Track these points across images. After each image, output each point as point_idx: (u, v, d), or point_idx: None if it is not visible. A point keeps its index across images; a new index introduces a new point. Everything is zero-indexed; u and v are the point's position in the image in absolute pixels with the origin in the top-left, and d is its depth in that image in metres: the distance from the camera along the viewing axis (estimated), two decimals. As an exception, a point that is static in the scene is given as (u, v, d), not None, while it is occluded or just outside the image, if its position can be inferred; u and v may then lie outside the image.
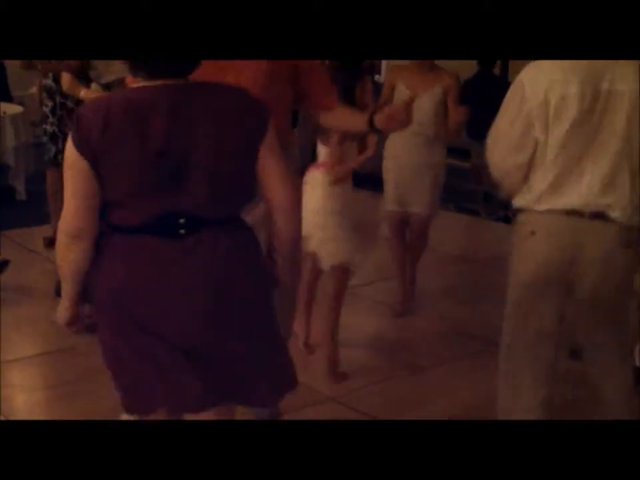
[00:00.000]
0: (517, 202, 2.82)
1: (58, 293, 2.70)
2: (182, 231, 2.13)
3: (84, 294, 2.25)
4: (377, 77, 8.61)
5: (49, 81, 4.66)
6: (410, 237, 4.88)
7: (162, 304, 2.14)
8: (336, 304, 3.99)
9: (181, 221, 2.13)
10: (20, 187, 6.63)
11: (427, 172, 4.68)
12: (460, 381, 4.06)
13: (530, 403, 2.85)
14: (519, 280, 2.85)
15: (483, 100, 7.75)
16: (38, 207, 5.49)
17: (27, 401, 3.59)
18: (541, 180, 2.71)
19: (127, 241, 2.15)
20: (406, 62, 5.12)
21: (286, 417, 3.17)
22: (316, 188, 3.83)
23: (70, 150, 2.09)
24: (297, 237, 2.38)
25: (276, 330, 2.35)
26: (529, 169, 2.72)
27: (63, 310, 2.28)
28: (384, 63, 10.34)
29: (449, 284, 5.42)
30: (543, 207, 2.72)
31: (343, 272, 3.96)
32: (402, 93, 4.55)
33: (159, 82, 2.12)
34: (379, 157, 4.44)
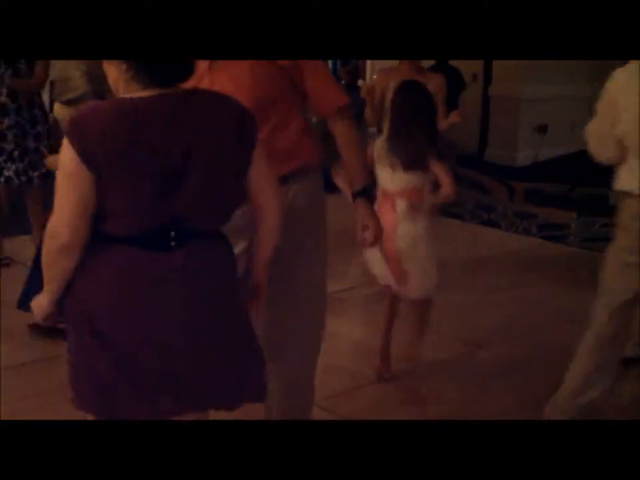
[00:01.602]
0: (622, 187, 3.22)
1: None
2: (172, 244, 2.14)
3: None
4: (360, 81, 8.63)
5: (2, 98, 4.61)
6: None
7: (146, 315, 2.14)
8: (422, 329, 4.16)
9: (172, 234, 2.13)
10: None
11: None
12: (443, 384, 4.08)
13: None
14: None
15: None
16: (23, 219, 5.46)
17: (10, 409, 3.58)
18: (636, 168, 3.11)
19: (115, 251, 2.14)
20: (394, 65, 5.16)
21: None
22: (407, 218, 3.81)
23: (71, 158, 2.04)
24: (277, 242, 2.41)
25: (252, 340, 2.35)
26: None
27: (42, 306, 2.25)
28: (368, 67, 10.37)
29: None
30: None
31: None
32: None
33: (154, 92, 2.11)
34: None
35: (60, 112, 4.40)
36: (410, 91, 3.87)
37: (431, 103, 3.87)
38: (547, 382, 4.09)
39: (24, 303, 2.35)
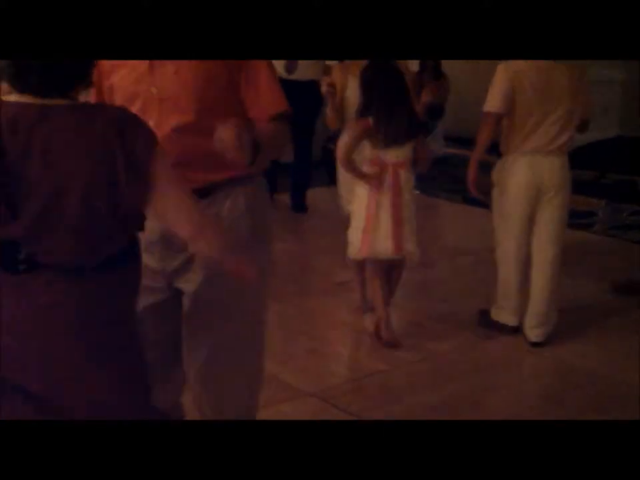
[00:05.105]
0: None
1: None
2: (21, 267, 1.95)
3: None
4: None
5: None
6: None
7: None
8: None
9: (21, 256, 1.95)
10: None
11: None
12: (443, 374, 4.08)
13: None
14: None
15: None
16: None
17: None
18: None
19: None
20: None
21: (264, 413, 3.01)
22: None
23: None
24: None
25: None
26: None
27: None
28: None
29: (447, 276, 5.45)
30: None
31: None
32: (354, 90, 4.65)
33: (30, 99, 1.96)
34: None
35: None
36: (389, 68, 4.29)
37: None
38: (556, 375, 4.09)
39: None
